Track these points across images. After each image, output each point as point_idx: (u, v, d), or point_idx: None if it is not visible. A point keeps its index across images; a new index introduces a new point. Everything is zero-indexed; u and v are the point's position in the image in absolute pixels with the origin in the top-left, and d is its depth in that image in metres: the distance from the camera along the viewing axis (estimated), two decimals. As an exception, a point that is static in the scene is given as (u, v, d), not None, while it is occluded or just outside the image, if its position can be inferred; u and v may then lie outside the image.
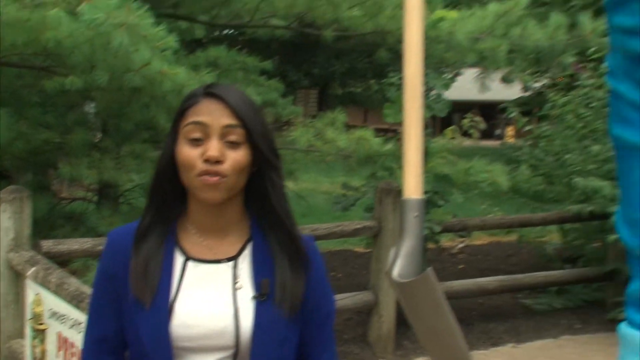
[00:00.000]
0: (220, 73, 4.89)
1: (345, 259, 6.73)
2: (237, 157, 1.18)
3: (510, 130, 21.02)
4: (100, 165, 4.05)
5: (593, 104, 4.80)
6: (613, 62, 1.19)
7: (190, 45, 6.58)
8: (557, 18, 4.05)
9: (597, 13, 4.44)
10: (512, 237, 6.67)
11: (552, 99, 5.56)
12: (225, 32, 11.44)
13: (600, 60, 4.57)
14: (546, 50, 4.10)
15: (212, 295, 1.22)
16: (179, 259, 1.24)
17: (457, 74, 15.31)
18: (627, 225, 1.18)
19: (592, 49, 4.47)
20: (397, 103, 4.21)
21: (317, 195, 9.82)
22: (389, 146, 4.71)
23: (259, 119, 1.23)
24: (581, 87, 4.98)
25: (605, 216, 4.46)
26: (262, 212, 1.28)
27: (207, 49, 5.17)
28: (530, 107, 11.12)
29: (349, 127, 5.20)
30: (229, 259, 1.25)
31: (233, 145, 1.19)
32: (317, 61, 17.38)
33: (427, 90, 4.21)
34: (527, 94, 12.99)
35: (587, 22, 4.13)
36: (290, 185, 7.95)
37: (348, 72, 18.38)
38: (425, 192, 4.19)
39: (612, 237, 4.11)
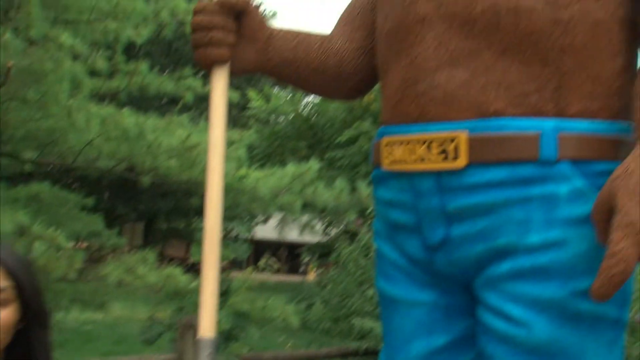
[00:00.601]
0: (41, 208, 4.56)
1: (150, 388, 6.22)
2: (5, 317, 1.04)
3: (311, 269, 21.65)
4: None
5: (370, 255, 5.08)
6: (377, 226, 1.25)
7: (19, 177, 6.12)
8: (341, 183, 4.35)
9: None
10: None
11: (338, 248, 5.79)
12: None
13: (374, 219, 4.90)
14: (333, 208, 4.34)
15: None
16: None
17: (268, 218, 15.66)
18: (388, 364, 1.20)
19: (369, 210, 4.82)
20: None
21: (133, 323, 9.19)
22: (196, 283, 4.58)
23: (30, 275, 1.10)
24: (361, 240, 5.26)
25: (377, 353, 4.58)
26: None
27: (30, 183, 4.84)
28: (326, 251, 11.55)
29: (171, 259, 5.02)
30: None
31: (1, 304, 1.04)
32: (144, 198, 17.05)
33: (233, 235, 4.23)
34: (325, 239, 13.56)
35: (364, 188, 4.47)
36: (100, 315, 7.41)
37: (172, 209, 18.18)
38: (225, 327, 4.08)
39: (379, 372, 4.20)
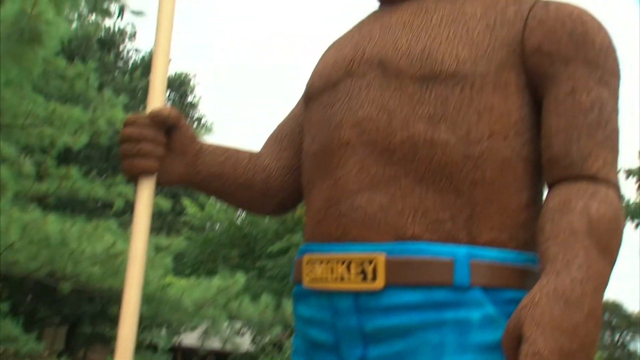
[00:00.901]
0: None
1: None
2: None
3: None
4: None
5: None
6: (297, 343, 1.20)
7: None
8: (266, 298, 4.24)
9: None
10: None
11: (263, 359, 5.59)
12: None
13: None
14: (259, 323, 4.20)
15: None
16: None
17: (195, 326, 15.05)
18: None
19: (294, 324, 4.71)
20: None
21: None
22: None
23: None
24: (285, 353, 5.09)
25: None
26: None
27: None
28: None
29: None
30: None
31: None
32: (68, 301, 16.11)
33: (153, 346, 4.00)
34: (252, 348, 13.18)
35: (289, 305, 4.37)
36: None
37: (98, 313, 17.19)
38: None
39: None
